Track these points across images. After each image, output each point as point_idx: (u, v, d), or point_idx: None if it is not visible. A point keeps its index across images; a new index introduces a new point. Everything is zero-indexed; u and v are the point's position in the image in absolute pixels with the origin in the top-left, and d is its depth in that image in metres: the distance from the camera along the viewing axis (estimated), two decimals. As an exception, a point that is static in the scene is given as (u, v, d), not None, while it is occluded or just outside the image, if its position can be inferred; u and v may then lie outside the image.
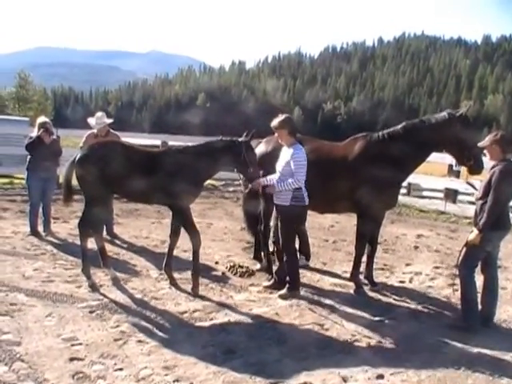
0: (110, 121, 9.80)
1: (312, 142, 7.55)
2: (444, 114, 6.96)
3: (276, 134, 6.87)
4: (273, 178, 6.80)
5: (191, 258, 7.08)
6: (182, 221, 7.00)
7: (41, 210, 9.73)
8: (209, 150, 6.88)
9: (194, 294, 6.82)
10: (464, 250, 6.11)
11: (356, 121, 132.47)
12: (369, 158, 7.08)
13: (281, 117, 6.78)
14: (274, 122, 6.74)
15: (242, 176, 7.13)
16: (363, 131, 7.71)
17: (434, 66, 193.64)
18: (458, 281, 6.32)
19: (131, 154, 6.87)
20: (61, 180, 9.68)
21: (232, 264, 8.13)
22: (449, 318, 6.53)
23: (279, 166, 6.79)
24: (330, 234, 11.34)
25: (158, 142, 16.12)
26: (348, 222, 11.26)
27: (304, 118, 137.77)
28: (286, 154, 6.74)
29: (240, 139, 6.77)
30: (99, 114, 9.79)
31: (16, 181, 15.72)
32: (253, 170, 6.73)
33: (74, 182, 7.09)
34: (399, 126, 7.23)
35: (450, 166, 15.88)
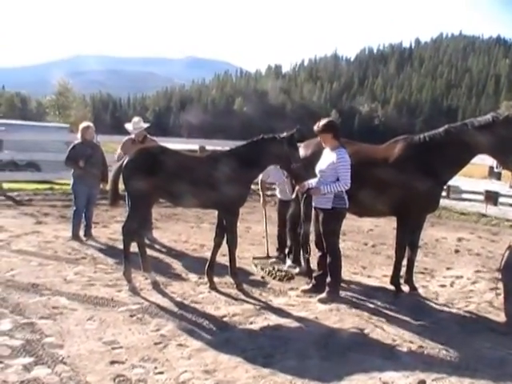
0: (146, 125, 9.89)
1: (352, 145, 7.44)
2: (488, 116, 6.78)
3: (319, 138, 6.87)
4: (314, 182, 6.78)
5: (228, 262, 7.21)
6: (230, 224, 7.09)
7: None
8: (252, 149, 6.96)
9: (240, 290, 7.05)
10: (506, 253, 5.99)
11: (393, 123, 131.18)
12: (410, 161, 6.98)
13: (324, 120, 6.80)
14: (318, 126, 6.75)
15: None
16: (401, 134, 7.63)
17: (473, 66, 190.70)
18: (500, 285, 6.20)
19: (178, 159, 6.94)
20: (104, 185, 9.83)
21: (271, 268, 8.11)
22: (492, 323, 6.39)
23: (320, 168, 6.77)
24: (369, 237, 11.25)
25: (195, 147, 16.20)
26: (387, 225, 11.16)
27: (341, 121, 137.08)
28: (328, 157, 6.73)
29: (282, 135, 6.83)
30: (136, 119, 9.88)
31: (56, 186, 16.01)
32: (296, 166, 6.77)
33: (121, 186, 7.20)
34: (441, 129, 7.09)
35: (491, 168, 15.62)
